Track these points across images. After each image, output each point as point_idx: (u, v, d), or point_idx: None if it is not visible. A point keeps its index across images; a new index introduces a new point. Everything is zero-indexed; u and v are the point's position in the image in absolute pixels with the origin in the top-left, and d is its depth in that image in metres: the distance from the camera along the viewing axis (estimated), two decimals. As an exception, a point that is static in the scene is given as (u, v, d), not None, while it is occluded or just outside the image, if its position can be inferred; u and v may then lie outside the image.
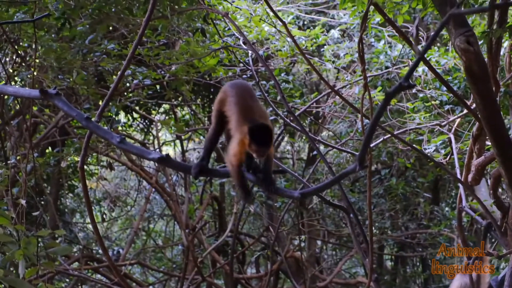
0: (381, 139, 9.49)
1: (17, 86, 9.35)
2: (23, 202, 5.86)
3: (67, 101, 4.60)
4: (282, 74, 11.01)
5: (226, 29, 10.14)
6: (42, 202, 12.97)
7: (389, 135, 8.64)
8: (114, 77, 10.30)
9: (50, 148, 13.21)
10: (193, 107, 13.85)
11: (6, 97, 9.42)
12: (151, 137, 15.35)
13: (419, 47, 10.37)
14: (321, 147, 11.07)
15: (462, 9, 4.41)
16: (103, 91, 10.59)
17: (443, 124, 9.48)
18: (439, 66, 9.80)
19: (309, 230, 15.24)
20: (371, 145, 7.81)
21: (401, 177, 14.36)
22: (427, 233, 14.78)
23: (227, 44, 9.70)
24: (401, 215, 15.29)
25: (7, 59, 10.80)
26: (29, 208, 10.27)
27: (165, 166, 10.31)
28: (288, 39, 10.01)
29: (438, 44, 11.40)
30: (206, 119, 14.31)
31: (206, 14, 9.03)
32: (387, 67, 10.53)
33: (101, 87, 10.87)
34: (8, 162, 8.14)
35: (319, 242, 16.91)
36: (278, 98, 10.12)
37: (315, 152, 12.39)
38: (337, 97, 10.03)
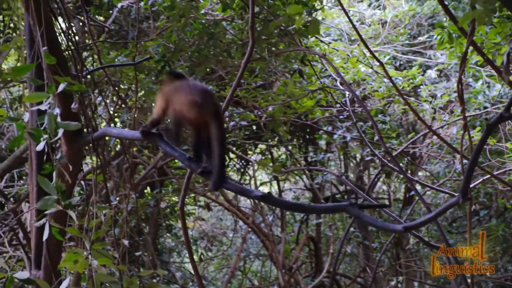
0: (480, 179, 9.36)
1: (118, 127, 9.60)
2: (126, 242, 5.98)
3: (169, 142, 4.73)
4: (379, 116, 11.00)
5: (323, 70, 10.21)
6: (141, 242, 13.21)
7: (489, 175, 8.54)
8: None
9: (148, 188, 13.46)
10: (290, 148, 13.93)
11: (108, 138, 9.67)
12: (247, 177, 15.44)
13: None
14: (418, 187, 10.96)
15: None
16: (201, 132, 10.75)
17: (544, 164, 9.32)
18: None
19: (406, 271, 15.04)
20: (470, 186, 7.73)
21: (501, 218, 14.07)
22: (527, 275, 14.41)
23: (324, 85, 9.77)
24: (501, 256, 14.95)
25: (109, 101, 11.12)
26: (129, 248, 10.48)
27: (267, 203, 10.28)
28: (385, 79, 10.01)
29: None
30: (302, 159, 14.36)
31: (304, 56, 9.13)
32: (485, 107, 10.41)
33: (199, 128, 11.05)
34: (111, 202, 8.34)
35: (416, 284, 16.65)
36: (375, 138, 10.12)
37: (412, 193, 12.28)
38: (434, 137, 9.97)
